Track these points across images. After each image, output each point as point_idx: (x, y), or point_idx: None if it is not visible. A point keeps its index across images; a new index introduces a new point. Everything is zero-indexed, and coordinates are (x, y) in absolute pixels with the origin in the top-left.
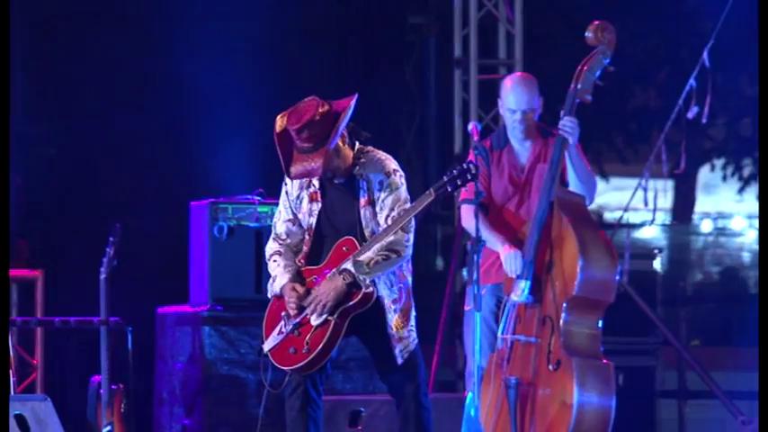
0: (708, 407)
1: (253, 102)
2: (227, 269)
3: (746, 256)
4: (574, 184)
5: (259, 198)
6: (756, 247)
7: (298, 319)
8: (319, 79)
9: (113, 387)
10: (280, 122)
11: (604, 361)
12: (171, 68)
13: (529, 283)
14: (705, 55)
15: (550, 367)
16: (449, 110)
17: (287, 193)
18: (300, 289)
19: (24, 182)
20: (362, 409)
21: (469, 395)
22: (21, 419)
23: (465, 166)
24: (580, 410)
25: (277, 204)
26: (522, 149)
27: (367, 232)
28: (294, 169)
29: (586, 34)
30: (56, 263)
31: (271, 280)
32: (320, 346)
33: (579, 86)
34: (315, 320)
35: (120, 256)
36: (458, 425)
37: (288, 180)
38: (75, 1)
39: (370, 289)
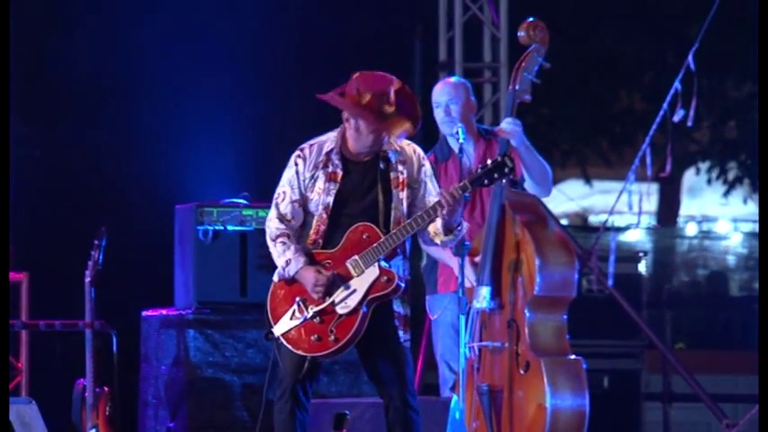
0: (693, 410)
1: (238, 105)
2: (212, 272)
3: (731, 260)
4: (528, 180)
5: (244, 201)
6: (741, 250)
7: (322, 306)
8: (303, 84)
9: (98, 390)
10: (364, 93)
11: (572, 356)
12: (156, 71)
13: (489, 288)
14: (690, 58)
15: (521, 371)
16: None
17: (297, 173)
18: (327, 274)
19: (9, 184)
20: (347, 412)
21: (454, 398)
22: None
23: (500, 158)
24: (554, 410)
25: (262, 207)
26: (466, 155)
27: (394, 213)
28: (397, 131)
29: (519, 33)
30: (41, 266)
31: (283, 262)
32: (349, 335)
33: (517, 87)
34: (342, 309)
35: (105, 259)
36: (442, 428)
37: (299, 161)
38: (63, 4)
39: (401, 279)
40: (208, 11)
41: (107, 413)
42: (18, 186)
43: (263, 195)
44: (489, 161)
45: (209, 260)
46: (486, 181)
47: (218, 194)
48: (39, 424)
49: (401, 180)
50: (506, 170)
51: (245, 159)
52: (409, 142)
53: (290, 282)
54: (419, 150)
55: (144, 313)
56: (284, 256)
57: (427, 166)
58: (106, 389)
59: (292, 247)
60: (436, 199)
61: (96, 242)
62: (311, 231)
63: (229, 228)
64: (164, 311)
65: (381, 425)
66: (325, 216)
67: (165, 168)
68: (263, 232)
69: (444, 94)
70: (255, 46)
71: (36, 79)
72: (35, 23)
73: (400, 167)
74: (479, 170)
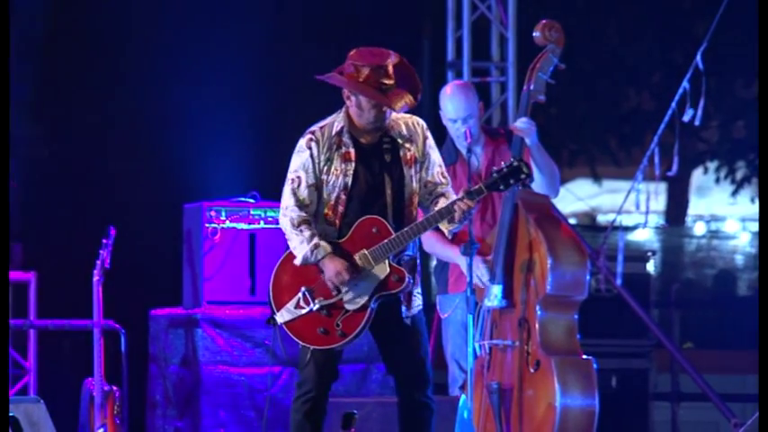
0: (701, 409)
1: (246, 104)
2: (220, 271)
3: (739, 259)
4: (538, 180)
5: (252, 200)
6: (750, 249)
7: (331, 301)
8: (312, 82)
9: (106, 389)
10: (362, 69)
11: (583, 356)
12: (164, 70)
13: (501, 287)
14: (698, 57)
15: (531, 369)
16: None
17: (312, 156)
18: (353, 271)
19: (17, 184)
20: (355, 412)
21: (462, 397)
22: (14, 422)
23: (515, 163)
24: (564, 409)
25: (271, 207)
26: (475, 156)
27: (406, 191)
28: (399, 104)
29: (534, 34)
30: (49, 265)
31: (311, 246)
32: (356, 331)
33: (532, 87)
34: (351, 305)
35: (113, 259)
36: (451, 427)
37: (312, 144)
38: (70, 5)
39: (411, 279)
40: (216, 9)
41: (115, 413)
42: (26, 186)
43: (271, 194)
44: (504, 165)
45: (218, 259)
46: (501, 186)
47: (226, 193)
48: (47, 423)
49: (409, 157)
50: (522, 176)
51: (254, 158)
52: (411, 115)
53: (297, 268)
54: (422, 122)
55: (152, 312)
56: (312, 241)
57: (430, 137)
58: (114, 388)
59: (318, 234)
60: (441, 170)
61: (104, 241)
62: (329, 213)
63: (238, 227)
64: (172, 311)
65: (389, 424)
66: (344, 197)
67: (173, 167)
68: (271, 231)
69: (461, 110)
70: (263, 44)
71: (43, 80)
72: (42, 24)
73: (407, 145)
74: (494, 174)
